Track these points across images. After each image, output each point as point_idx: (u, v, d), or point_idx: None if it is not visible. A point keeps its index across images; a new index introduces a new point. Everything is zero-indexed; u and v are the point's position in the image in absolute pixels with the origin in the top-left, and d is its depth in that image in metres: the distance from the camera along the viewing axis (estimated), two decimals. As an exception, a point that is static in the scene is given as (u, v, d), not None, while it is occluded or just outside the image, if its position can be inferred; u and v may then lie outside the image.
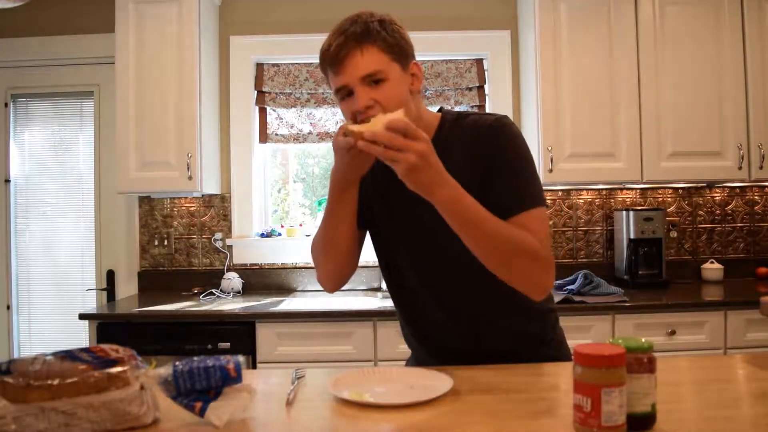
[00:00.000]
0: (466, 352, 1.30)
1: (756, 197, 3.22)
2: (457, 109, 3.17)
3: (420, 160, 1.01)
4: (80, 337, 2.89)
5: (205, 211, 3.21)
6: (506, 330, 1.30)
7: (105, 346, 0.95)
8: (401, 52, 1.17)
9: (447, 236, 1.12)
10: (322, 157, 3.42)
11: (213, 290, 3.03)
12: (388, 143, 1.01)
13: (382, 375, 1.19)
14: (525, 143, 1.22)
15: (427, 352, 1.38)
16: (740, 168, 2.84)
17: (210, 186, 3.03)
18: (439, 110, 1.32)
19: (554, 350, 1.35)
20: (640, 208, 3.10)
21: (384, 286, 2.36)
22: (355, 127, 1.07)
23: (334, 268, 1.31)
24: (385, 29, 1.15)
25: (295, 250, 3.19)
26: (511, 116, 3.09)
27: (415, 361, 1.43)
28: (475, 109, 3.21)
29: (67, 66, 3.24)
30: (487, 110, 3.21)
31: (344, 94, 1.16)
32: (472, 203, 1.09)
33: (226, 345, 2.50)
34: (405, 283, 1.34)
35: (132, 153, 2.85)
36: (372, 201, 1.32)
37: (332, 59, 1.14)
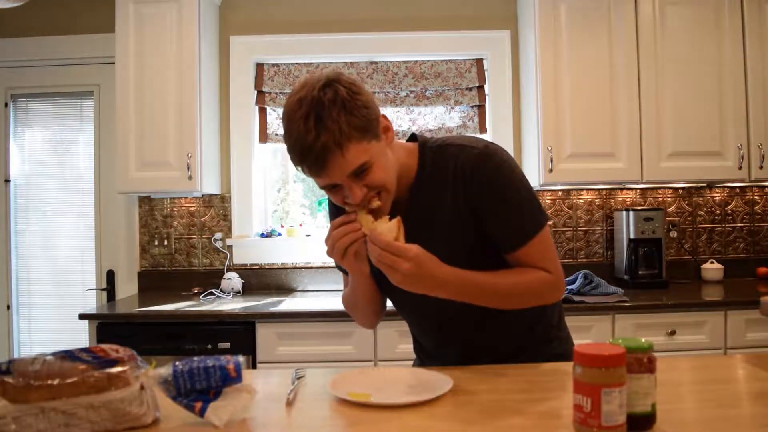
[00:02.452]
0: (469, 354, 1.30)
1: (756, 197, 3.22)
2: (456, 109, 3.19)
3: (406, 280, 1.06)
4: (80, 337, 2.89)
5: (205, 211, 3.21)
6: (510, 331, 1.30)
7: (105, 346, 0.95)
8: (373, 125, 1.08)
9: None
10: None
11: (213, 290, 3.03)
12: (378, 259, 1.06)
13: (382, 375, 1.19)
14: (514, 168, 1.19)
15: (432, 353, 1.39)
16: (740, 168, 2.84)
17: (210, 186, 3.03)
18: (412, 137, 1.28)
19: (560, 347, 1.35)
20: (640, 208, 3.10)
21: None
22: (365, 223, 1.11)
23: (370, 315, 1.37)
24: (352, 112, 1.04)
25: (295, 250, 3.19)
26: (511, 116, 3.18)
27: (420, 363, 1.44)
28: (474, 111, 3.20)
29: (67, 66, 3.24)
30: (487, 110, 3.21)
31: (330, 187, 1.12)
32: (473, 285, 1.13)
33: (226, 345, 2.50)
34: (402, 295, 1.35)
35: (132, 153, 2.85)
36: None
37: (312, 164, 1.06)
